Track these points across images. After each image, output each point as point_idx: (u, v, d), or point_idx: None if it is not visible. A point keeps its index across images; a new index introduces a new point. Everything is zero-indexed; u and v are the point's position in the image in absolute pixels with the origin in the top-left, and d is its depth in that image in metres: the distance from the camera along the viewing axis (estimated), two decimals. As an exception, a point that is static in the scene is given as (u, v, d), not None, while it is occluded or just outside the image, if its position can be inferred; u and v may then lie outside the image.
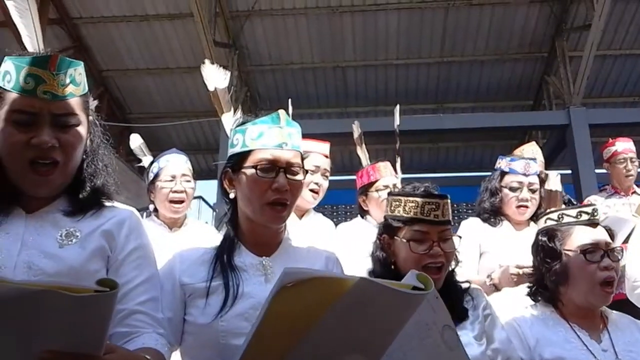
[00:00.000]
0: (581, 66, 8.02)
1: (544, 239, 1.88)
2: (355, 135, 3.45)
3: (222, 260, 1.46)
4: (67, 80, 1.27)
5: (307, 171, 1.54)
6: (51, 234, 1.28)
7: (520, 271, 2.35)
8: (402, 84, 9.80)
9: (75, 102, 1.30)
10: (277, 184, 1.43)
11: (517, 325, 1.79)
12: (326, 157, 2.77)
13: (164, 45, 9.04)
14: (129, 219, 1.40)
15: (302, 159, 1.54)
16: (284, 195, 1.44)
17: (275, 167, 1.44)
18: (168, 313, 1.42)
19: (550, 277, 1.83)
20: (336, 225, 2.98)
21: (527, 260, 2.35)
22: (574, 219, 1.85)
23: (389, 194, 1.90)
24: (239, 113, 1.83)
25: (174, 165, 2.85)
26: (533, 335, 1.75)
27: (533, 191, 2.72)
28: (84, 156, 1.36)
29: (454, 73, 9.64)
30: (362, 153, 3.33)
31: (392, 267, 1.75)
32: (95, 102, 2.17)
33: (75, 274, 1.23)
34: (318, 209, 2.88)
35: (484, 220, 2.77)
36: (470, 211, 6.50)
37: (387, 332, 1.10)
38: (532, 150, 3.11)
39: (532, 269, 2.27)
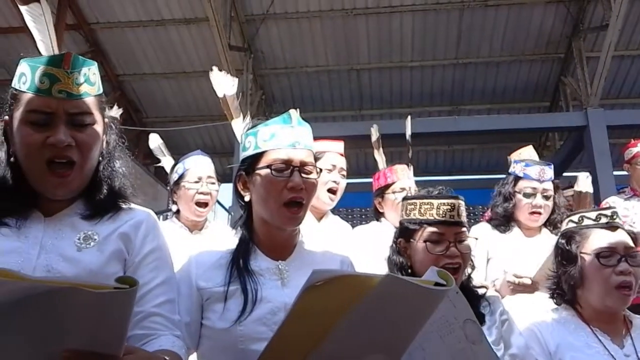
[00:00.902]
0: (599, 67, 7.92)
1: (563, 241, 1.87)
2: (373, 138, 3.44)
3: (239, 265, 1.46)
4: (82, 79, 1.28)
5: (320, 170, 1.54)
6: (69, 237, 1.28)
7: (517, 280, 2.33)
8: (417, 86, 9.77)
9: (90, 102, 1.30)
10: (293, 182, 1.43)
11: (537, 330, 1.77)
12: (341, 155, 2.77)
13: (179, 50, 9.11)
14: (146, 221, 1.41)
15: (315, 158, 1.54)
16: (299, 194, 1.44)
17: (289, 166, 1.45)
18: (186, 317, 1.42)
19: (567, 280, 1.81)
20: (352, 228, 2.98)
21: (529, 269, 2.34)
22: (593, 222, 1.83)
23: (404, 198, 1.90)
24: (248, 118, 1.84)
25: (200, 167, 2.88)
26: (554, 340, 1.73)
27: (547, 197, 2.69)
28: (100, 158, 1.37)
29: (469, 75, 9.58)
30: (380, 156, 3.32)
31: (409, 271, 1.75)
32: (120, 111, 2.18)
33: (94, 277, 1.23)
34: (333, 211, 2.88)
35: (495, 226, 2.74)
36: (485, 214, 6.45)
37: (409, 330, 1.10)
38: (529, 154, 3.07)
39: (530, 279, 2.26)
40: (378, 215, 3.04)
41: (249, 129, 1.56)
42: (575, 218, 1.89)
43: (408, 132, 3.34)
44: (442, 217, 1.72)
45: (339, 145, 2.79)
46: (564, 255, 1.84)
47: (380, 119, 9.48)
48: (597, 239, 1.78)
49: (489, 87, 9.82)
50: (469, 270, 1.78)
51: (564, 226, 1.94)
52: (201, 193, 2.80)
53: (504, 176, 2.93)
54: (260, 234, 1.53)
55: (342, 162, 2.74)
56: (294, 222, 1.48)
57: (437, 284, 1.03)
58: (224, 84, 1.98)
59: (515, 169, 2.82)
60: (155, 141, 3.48)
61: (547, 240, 2.58)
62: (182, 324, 1.40)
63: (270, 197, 1.45)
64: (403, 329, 1.09)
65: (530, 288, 2.32)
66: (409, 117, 3.45)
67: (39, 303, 0.87)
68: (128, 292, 0.92)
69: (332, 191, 2.66)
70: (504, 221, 2.73)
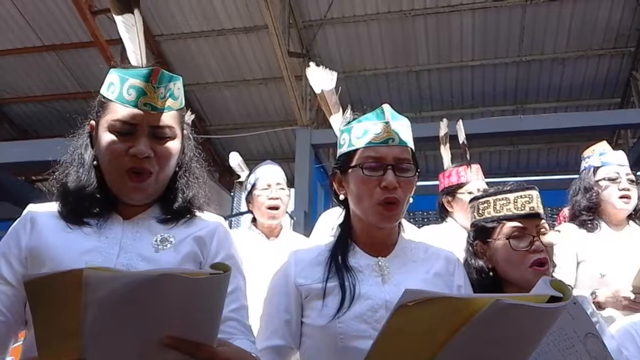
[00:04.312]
0: (674, 59, 7.49)
1: None
2: (441, 133, 3.35)
3: (337, 261, 1.44)
4: (167, 94, 1.33)
5: (418, 167, 1.48)
6: (147, 239, 1.34)
7: (632, 296, 2.12)
8: (478, 86, 9.55)
9: (172, 115, 1.35)
10: (385, 181, 1.39)
11: (633, 331, 1.65)
12: None
13: (240, 58, 9.28)
14: (219, 229, 1.44)
15: (414, 154, 1.48)
16: (393, 194, 1.39)
17: (382, 164, 1.41)
18: (285, 315, 1.43)
19: None
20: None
21: (626, 272, 2.18)
22: None
23: (473, 199, 1.83)
24: (348, 112, 1.76)
25: (269, 175, 3.02)
26: None
27: (631, 181, 2.54)
28: (177, 168, 1.41)
29: (533, 72, 9.27)
30: (446, 152, 3.23)
31: (491, 274, 1.67)
32: (192, 116, 2.24)
33: None
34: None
35: (581, 224, 2.58)
36: (554, 215, 6.21)
37: (525, 350, 1.01)
38: (603, 149, 2.92)
39: None
40: (445, 214, 2.94)
41: (344, 126, 1.54)
42: None
43: (462, 137, 3.23)
44: (522, 209, 1.64)
45: None
46: None
47: (440, 120, 9.32)
48: None
49: (554, 85, 9.47)
50: (550, 268, 1.70)
51: None
52: (271, 198, 2.92)
53: (572, 176, 2.80)
54: (358, 232, 1.50)
55: None
56: (389, 221, 1.44)
57: (552, 297, 0.93)
58: (321, 79, 1.92)
59: (591, 161, 2.69)
60: (235, 159, 3.64)
61: (637, 234, 2.44)
62: (283, 323, 1.42)
63: (364, 197, 1.42)
64: (517, 349, 0.99)
65: None
66: (460, 121, 3.35)
67: (137, 293, 0.90)
68: (222, 277, 0.95)
69: None
70: (590, 216, 2.59)
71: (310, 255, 1.51)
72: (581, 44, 8.72)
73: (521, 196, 1.66)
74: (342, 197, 1.51)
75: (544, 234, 1.64)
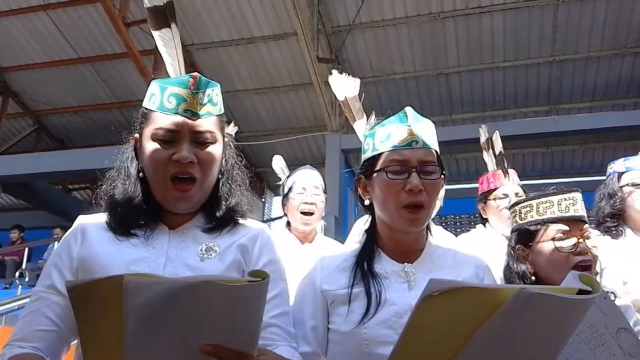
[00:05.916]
0: None
1: None
2: (482, 139, 3.31)
3: (362, 267, 1.43)
4: (206, 100, 1.36)
5: (444, 169, 1.45)
6: (192, 248, 1.36)
7: None
8: (510, 87, 9.43)
9: (212, 121, 1.37)
10: (410, 184, 1.36)
11: None
12: None
13: (270, 65, 9.38)
14: (262, 235, 1.45)
15: (438, 156, 1.46)
16: (418, 197, 1.37)
17: (406, 167, 1.39)
18: (311, 321, 1.43)
19: None
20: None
21: None
22: None
23: (514, 204, 1.79)
24: (372, 118, 1.73)
25: (305, 179, 2.99)
26: None
27: None
28: (219, 176, 1.43)
29: (567, 72, 9.11)
30: (489, 157, 3.19)
31: (533, 278, 1.64)
32: (235, 128, 2.26)
33: None
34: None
35: (605, 230, 2.54)
36: (591, 217, 6.08)
37: (552, 345, 0.99)
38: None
39: None
40: (483, 221, 2.94)
41: (367, 131, 1.53)
42: None
43: (499, 147, 3.18)
44: (566, 212, 1.60)
45: None
46: None
47: (472, 122, 9.24)
48: None
49: (589, 84, 9.29)
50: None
51: None
52: (305, 203, 2.89)
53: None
54: (384, 237, 1.49)
55: None
56: (415, 224, 1.41)
57: (581, 291, 0.91)
58: (344, 86, 1.91)
59: (614, 167, 2.63)
60: (278, 162, 3.65)
61: None
62: (310, 329, 1.42)
63: (388, 201, 1.40)
64: (545, 344, 0.97)
65: None
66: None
67: (177, 300, 0.92)
68: (260, 285, 0.96)
69: None
70: (614, 222, 2.53)
71: (336, 261, 1.51)
72: (616, 42, 8.53)
73: (565, 199, 1.62)
74: (367, 202, 1.50)
75: (588, 238, 1.60)
